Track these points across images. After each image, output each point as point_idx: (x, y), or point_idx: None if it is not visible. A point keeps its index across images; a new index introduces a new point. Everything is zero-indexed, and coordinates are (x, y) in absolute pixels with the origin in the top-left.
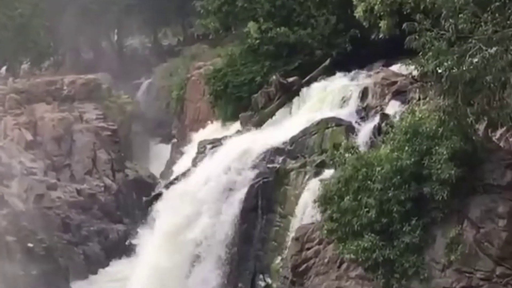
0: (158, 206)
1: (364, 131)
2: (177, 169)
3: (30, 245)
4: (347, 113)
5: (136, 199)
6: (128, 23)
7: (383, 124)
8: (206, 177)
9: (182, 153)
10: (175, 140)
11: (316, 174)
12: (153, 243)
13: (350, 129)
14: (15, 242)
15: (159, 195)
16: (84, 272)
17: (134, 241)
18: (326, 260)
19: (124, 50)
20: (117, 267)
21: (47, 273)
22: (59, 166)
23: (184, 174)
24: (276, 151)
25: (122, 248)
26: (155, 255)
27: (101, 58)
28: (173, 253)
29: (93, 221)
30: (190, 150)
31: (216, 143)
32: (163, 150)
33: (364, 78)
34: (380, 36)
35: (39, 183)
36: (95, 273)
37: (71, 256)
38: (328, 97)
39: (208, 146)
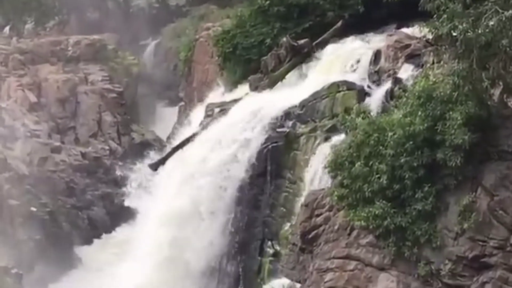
0: (164, 169)
1: (376, 95)
2: (184, 132)
3: (33, 209)
4: (359, 76)
5: (142, 162)
6: None
7: (395, 88)
8: (214, 141)
9: (189, 116)
10: (182, 102)
11: (327, 139)
12: (157, 209)
13: (361, 93)
14: (18, 206)
15: (165, 158)
16: (89, 237)
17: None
18: (336, 227)
19: (130, 10)
20: (122, 231)
21: (51, 237)
22: (64, 129)
23: (191, 138)
24: (286, 115)
25: (127, 213)
26: (159, 222)
27: (107, 18)
28: (177, 219)
29: (98, 185)
30: (198, 113)
31: (224, 106)
32: (170, 113)
33: (376, 41)
34: None
35: (43, 146)
36: (100, 237)
37: (75, 221)
38: (339, 60)
39: (216, 110)
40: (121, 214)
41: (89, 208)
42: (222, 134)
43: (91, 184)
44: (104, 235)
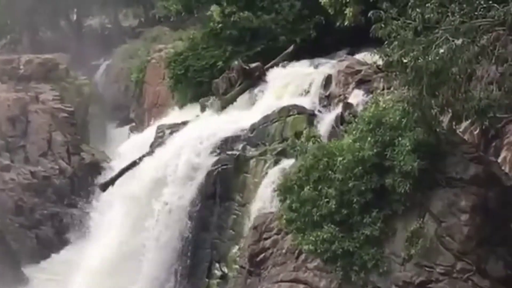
0: (113, 190)
1: (327, 120)
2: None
3: None
4: (309, 101)
5: (92, 183)
6: (87, 2)
7: (345, 114)
8: (164, 162)
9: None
10: (133, 123)
11: (276, 162)
12: (107, 229)
13: (312, 118)
14: None
15: (115, 179)
16: (37, 256)
17: (88, 226)
18: (284, 251)
19: (83, 30)
20: (71, 251)
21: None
22: (13, 147)
23: (141, 159)
24: (236, 138)
25: (76, 233)
26: (108, 241)
27: (59, 37)
28: (127, 240)
29: (46, 205)
30: (148, 134)
31: (175, 127)
32: (121, 134)
33: (327, 66)
34: (345, 24)
35: None
36: (48, 257)
37: (23, 240)
38: (290, 84)
39: (167, 131)
40: (70, 234)
41: (38, 228)
42: (172, 156)
43: (40, 203)
44: (52, 255)
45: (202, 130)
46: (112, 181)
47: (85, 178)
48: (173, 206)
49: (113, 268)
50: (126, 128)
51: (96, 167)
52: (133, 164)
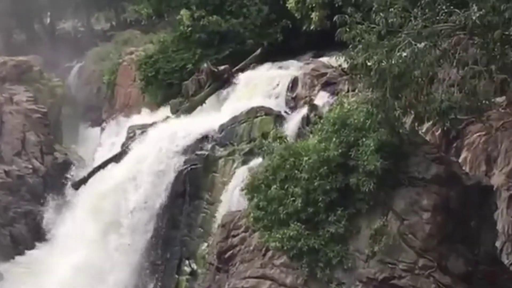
0: (85, 189)
1: (293, 121)
2: (106, 153)
3: None
4: (276, 102)
5: (64, 182)
6: (61, 6)
7: (311, 115)
8: (135, 162)
9: (110, 138)
10: (104, 124)
11: (244, 162)
12: (78, 227)
13: (279, 119)
14: None
15: (87, 178)
16: (10, 253)
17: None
18: (251, 248)
19: (56, 33)
20: (44, 248)
21: None
22: None
23: (112, 159)
24: (205, 138)
25: (48, 231)
26: (79, 239)
27: (33, 40)
28: (97, 238)
29: (20, 203)
30: (120, 135)
31: (145, 128)
32: (93, 134)
33: (294, 69)
34: (312, 28)
35: None
36: (22, 254)
37: None
38: (258, 86)
39: (138, 132)
40: (43, 231)
41: (12, 225)
42: (142, 156)
43: (14, 201)
44: (26, 251)
45: (172, 131)
46: (84, 180)
47: (58, 177)
48: (143, 205)
49: (84, 264)
50: (98, 128)
51: (69, 166)
52: (105, 163)
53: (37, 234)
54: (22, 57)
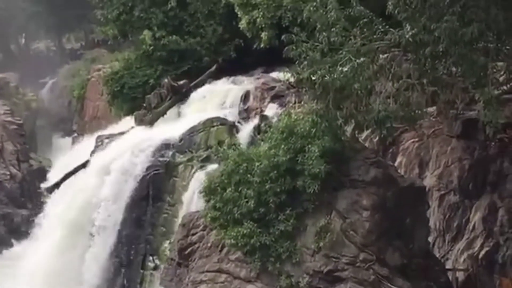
0: (57, 193)
1: (246, 130)
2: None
3: None
4: (230, 113)
5: (39, 187)
6: (34, 28)
7: (262, 124)
8: (102, 168)
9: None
10: (75, 134)
11: (202, 167)
12: (51, 228)
13: (233, 128)
14: None
15: (59, 183)
16: None
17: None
18: (209, 245)
19: (31, 53)
20: (20, 247)
21: None
22: None
23: (82, 165)
24: (166, 146)
25: (25, 231)
26: (53, 239)
27: (10, 59)
28: (69, 237)
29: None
30: (89, 144)
31: (112, 138)
32: (65, 143)
33: (246, 83)
34: (262, 46)
35: None
36: (0, 253)
37: None
38: (214, 99)
39: (105, 141)
40: (20, 231)
41: None
42: (110, 162)
43: None
44: (3, 251)
45: (136, 140)
46: (57, 185)
47: (33, 183)
48: (110, 207)
49: (57, 261)
50: (69, 138)
51: (43, 173)
52: (76, 169)
53: (15, 234)
54: (0, 74)
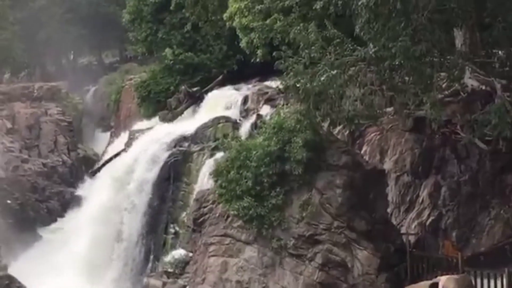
0: (100, 175)
1: (245, 126)
2: (113, 150)
3: (8, 201)
4: (233, 113)
5: (85, 170)
6: (81, 47)
7: (258, 122)
8: (135, 155)
9: (118, 139)
10: (113, 129)
11: (211, 155)
12: (95, 202)
13: (235, 125)
14: None
15: (100, 168)
16: (48, 221)
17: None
18: (217, 215)
19: (77, 66)
20: (71, 218)
21: (21, 221)
22: (30, 146)
23: (119, 153)
24: (184, 138)
25: (74, 205)
26: (96, 211)
27: (61, 71)
28: (110, 209)
29: (54, 185)
30: (124, 137)
31: (142, 132)
32: (105, 137)
33: (245, 89)
34: (258, 60)
35: (16, 158)
36: (55, 221)
37: (38, 210)
38: (220, 102)
39: (137, 134)
40: (70, 204)
41: (47, 201)
42: (140, 151)
43: (49, 184)
44: (58, 219)
45: (160, 133)
46: (99, 169)
47: (80, 167)
48: (141, 185)
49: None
50: (108, 133)
51: (88, 159)
52: (113, 157)
53: (66, 207)
54: (53, 83)
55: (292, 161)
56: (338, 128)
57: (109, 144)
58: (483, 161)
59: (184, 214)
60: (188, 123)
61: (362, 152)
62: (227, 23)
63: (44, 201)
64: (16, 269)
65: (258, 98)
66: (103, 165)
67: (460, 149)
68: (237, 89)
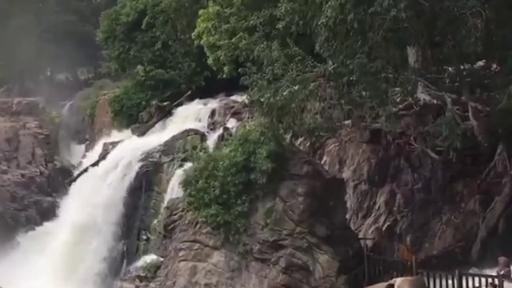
0: (75, 185)
1: (213, 138)
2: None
3: None
4: (201, 126)
5: (61, 181)
6: (57, 64)
7: (225, 134)
8: (109, 166)
9: (92, 150)
10: (87, 142)
11: (181, 165)
12: (70, 210)
13: (203, 136)
14: None
15: (76, 178)
16: (26, 229)
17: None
18: (186, 222)
19: (54, 82)
20: (47, 225)
21: (0, 229)
22: (9, 158)
23: (93, 165)
24: (155, 150)
25: (51, 213)
26: (71, 218)
27: (39, 86)
28: (85, 216)
29: (32, 195)
30: (98, 149)
31: (115, 144)
32: (80, 149)
33: (213, 103)
34: (224, 76)
35: None
36: (33, 229)
37: (17, 218)
38: (189, 116)
39: (110, 146)
40: (47, 213)
41: (26, 210)
42: (114, 162)
43: (27, 194)
44: (36, 228)
45: (133, 145)
46: (75, 179)
47: (57, 177)
48: (115, 194)
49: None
50: (83, 145)
51: (64, 170)
52: (88, 167)
53: (44, 216)
54: (31, 98)
55: (257, 171)
56: (300, 139)
57: (84, 155)
58: (435, 170)
59: (155, 221)
60: (159, 136)
61: (322, 162)
62: (195, 42)
63: (22, 209)
64: None
65: (224, 112)
66: (79, 175)
67: (413, 159)
68: (205, 104)
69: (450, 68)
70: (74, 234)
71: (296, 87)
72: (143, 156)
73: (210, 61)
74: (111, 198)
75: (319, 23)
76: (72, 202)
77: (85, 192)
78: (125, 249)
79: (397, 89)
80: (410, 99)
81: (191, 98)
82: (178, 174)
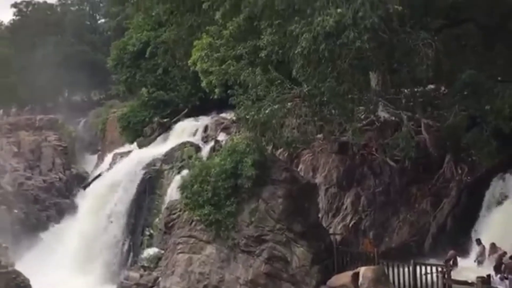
0: (90, 189)
1: (206, 149)
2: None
3: (15, 211)
4: (196, 139)
5: (77, 185)
6: (73, 87)
7: (216, 145)
8: (118, 174)
9: (104, 160)
10: (100, 152)
11: (179, 172)
12: (85, 210)
13: (198, 148)
14: (6, 209)
15: (90, 183)
16: (47, 226)
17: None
18: (183, 220)
19: (71, 102)
20: (65, 222)
21: (25, 227)
22: (33, 166)
23: (105, 171)
24: (157, 159)
25: (68, 212)
26: (86, 217)
27: (58, 106)
28: (96, 216)
29: (52, 198)
30: (109, 158)
31: (123, 155)
32: (93, 158)
33: (206, 120)
34: (216, 97)
35: (21, 176)
36: (53, 226)
37: (39, 218)
38: (186, 130)
39: (119, 156)
40: (65, 212)
41: (47, 210)
42: (123, 170)
43: (48, 197)
44: (55, 225)
45: (138, 156)
46: (89, 183)
47: (73, 183)
48: (123, 196)
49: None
50: (96, 155)
51: (80, 176)
52: (99, 175)
53: (62, 215)
54: (52, 115)
55: (243, 177)
56: (280, 150)
57: (97, 164)
58: (393, 176)
59: (157, 219)
60: (160, 147)
61: (298, 169)
62: (191, 68)
63: (44, 210)
64: (21, 266)
65: (216, 127)
66: (93, 180)
67: (375, 167)
68: (199, 120)
69: (406, 90)
70: (88, 231)
71: (276, 106)
72: (147, 164)
73: (203, 84)
74: (120, 200)
75: (296, 52)
76: (86, 203)
77: (98, 195)
78: (131, 243)
79: (361, 108)
80: (372, 116)
81: (187, 116)
82: (177, 180)
